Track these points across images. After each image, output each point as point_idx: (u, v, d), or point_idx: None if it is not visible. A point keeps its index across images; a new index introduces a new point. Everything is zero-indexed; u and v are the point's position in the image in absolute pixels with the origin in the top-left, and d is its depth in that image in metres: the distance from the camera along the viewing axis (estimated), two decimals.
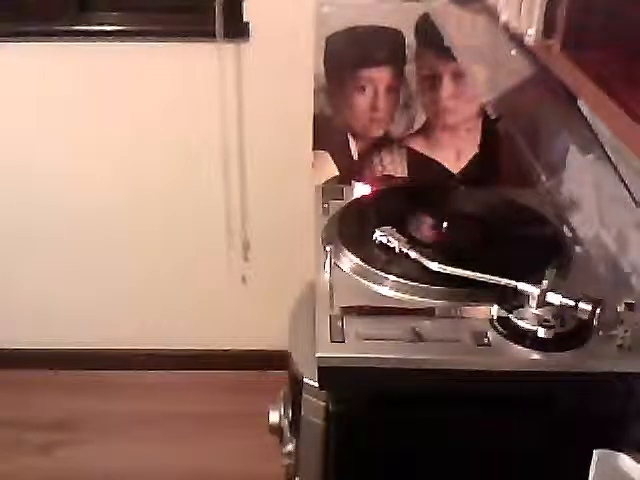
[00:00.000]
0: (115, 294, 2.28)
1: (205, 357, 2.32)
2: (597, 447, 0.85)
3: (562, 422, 1.04)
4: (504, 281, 1.06)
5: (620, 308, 0.99)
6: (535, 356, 1.01)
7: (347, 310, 1.06)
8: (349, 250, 1.19)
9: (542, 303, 1.02)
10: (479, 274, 1.08)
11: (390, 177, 1.85)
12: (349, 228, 1.27)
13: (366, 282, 1.14)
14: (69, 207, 2.16)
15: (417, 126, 1.83)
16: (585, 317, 0.99)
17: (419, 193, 1.47)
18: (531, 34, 0.89)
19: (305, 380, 1.13)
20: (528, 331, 1.02)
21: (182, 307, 2.30)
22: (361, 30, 1.73)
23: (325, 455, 1.12)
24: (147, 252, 2.23)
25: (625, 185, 1.16)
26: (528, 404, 1.03)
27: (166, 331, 2.32)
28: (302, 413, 1.14)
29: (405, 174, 1.86)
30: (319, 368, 1.02)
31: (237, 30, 1.91)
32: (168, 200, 2.15)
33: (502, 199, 1.41)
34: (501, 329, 1.04)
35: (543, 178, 1.36)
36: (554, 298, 1.01)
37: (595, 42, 0.80)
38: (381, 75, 1.78)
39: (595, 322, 0.99)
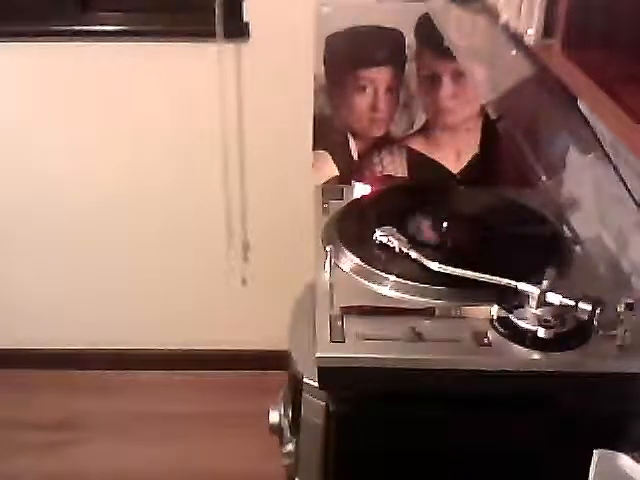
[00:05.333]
0: (115, 294, 2.28)
1: (205, 357, 2.32)
2: (597, 447, 0.85)
3: (562, 422, 1.04)
4: (504, 281, 1.06)
5: (620, 308, 0.99)
6: (535, 356, 1.01)
7: (347, 310, 1.06)
8: (349, 250, 1.19)
9: (542, 303, 1.02)
10: (479, 274, 1.08)
11: (390, 177, 1.85)
12: (349, 228, 1.27)
13: (366, 282, 1.14)
14: (69, 207, 2.16)
15: (417, 126, 1.83)
16: (585, 317, 0.99)
17: (419, 193, 1.47)
18: (531, 34, 0.89)
19: (305, 380, 1.13)
20: (528, 331, 1.02)
21: (182, 307, 2.30)
22: (361, 30, 1.73)
23: (325, 455, 1.12)
24: (147, 252, 2.23)
25: (625, 185, 1.16)
26: (528, 404, 1.03)
27: (166, 331, 2.32)
28: (302, 413, 1.14)
29: (405, 174, 1.86)
30: (319, 368, 1.02)
31: (237, 30, 1.91)
32: (168, 200, 2.15)
33: (502, 199, 1.41)
34: (501, 329, 1.04)
35: (543, 178, 1.36)
36: (554, 298, 1.01)
37: (595, 42, 0.80)
38: (381, 75, 1.78)
39: (595, 322, 0.99)
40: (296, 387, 1.17)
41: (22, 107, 2.04)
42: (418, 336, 1.02)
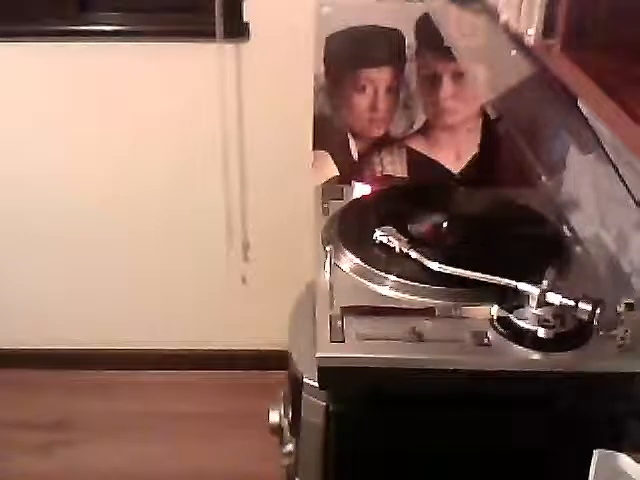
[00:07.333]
0: (115, 294, 2.28)
1: (205, 357, 2.32)
2: (597, 447, 0.85)
3: (562, 422, 1.04)
4: (504, 281, 1.06)
5: (620, 308, 0.99)
6: (535, 356, 1.01)
7: (347, 310, 1.06)
8: (349, 250, 1.19)
9: (542, 303, 1.02)
10: (479, 274, 1.08)
11: (390, 177, 1.85)
12: (349, 228, 1.27)
13: (366, 282, 1.14)
14: (69, 207, 2.16)
15: (417, 126, 1.83)
16: (585, 317, 0.99)
17: (419, 193, 1.47)
18: (531, 34, 0.89)
19: (305, 380, 1.13)
20: (528, 331, 1.02)
21: (182, 307, 2.30)
22: (361, 30, 1.73)
23: (325, 455, 1.12)
24: (147, 252, 2.23)
25: (625, 185, 1.16)
26: (528, 404, 1.03)
27: (166, 331, 2.32)
28: (302, 413, 1.14)
29: (405, 174, 1.86)
30: (319, 368, 1.02)
31: (237, 30, 1.91)
32: (168, 200, 2.15)
33: (502, 199, 1.41)
34: (501, 329, 1.04)
35: (543, 178, 1.36)
36: (554, 298, 1.01)
37: (595, 42, 0.81)
38: (381, 75, 1.78)
39: (595, 322, 0.99)
40: (296, 387, 1.17)
41: (21, 107, 2.04)
42: (418, 336, 1.02)
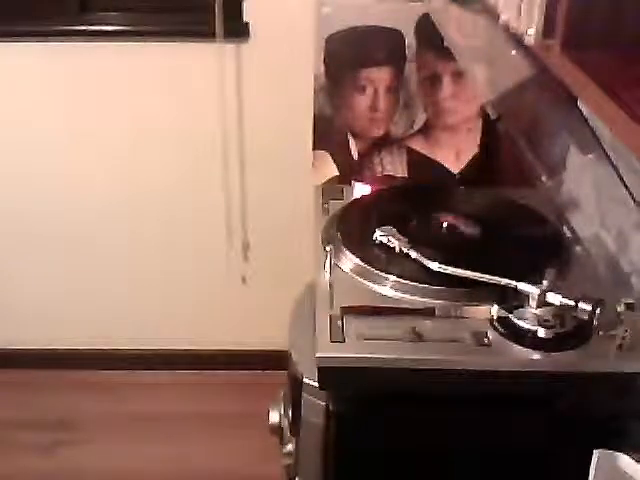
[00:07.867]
0: (115, 294, 2.28)
1: (205, 357, 2.32)
2: (597, 447, 0.85)
3: (562, 422, 1.04)
4: (504, 281, 1.06)
5: (620, 308, 0.99)
6: (535, 356, 1.01)
7: (347, 310, 1.06)
8: (349, 250, 1.19)
9: (542, 303, 1.02)
10: (479, 274, 1.08)
11: (390, 177, 1.85)
12: (349, 228, 1.27)
13: (366, 282, 1.14)
14: (69, 207, 2.16)
15: (417, 126, 1.83)
16: (585, 317, 0.99)
17: (419, 193, 1.47)
18: (531, 34, 0.89)
19: (305, 380, 1.13)
20: (528, 331, 1.02)
21: (182, 307, 2.30)
22: (361, 30, 1.73)
23: (325, 455, 1.12)
24: (147, 252, 2.23)
25: (625, 185, 1.16)
26: (528, 404, 1.03)
27: (166, 331, 2.32)
28: (302, 413, 1.14)
29: (405, 174, 1.86)
30: (319, 368, 1.02)
31: (237, 30, 1.91)
32: (168, 200, 2.15)
33: (502, 199, 1.41)
34: (501, 329, 1.04)
35: (543, 178, 1.36)
36: (554, 298, 1.01)
37: (595, 42, 0.80)
38: (381, 75, 1.78)
39: (595, 322, 0.99)
40: (296, 387, 1.17)
41: (21, 107, 2.04)
42: (418, 336, 1.02)
